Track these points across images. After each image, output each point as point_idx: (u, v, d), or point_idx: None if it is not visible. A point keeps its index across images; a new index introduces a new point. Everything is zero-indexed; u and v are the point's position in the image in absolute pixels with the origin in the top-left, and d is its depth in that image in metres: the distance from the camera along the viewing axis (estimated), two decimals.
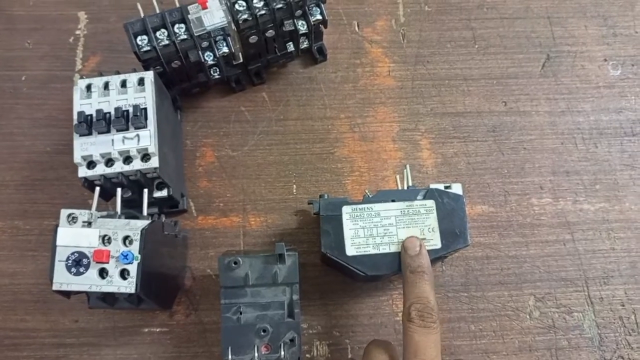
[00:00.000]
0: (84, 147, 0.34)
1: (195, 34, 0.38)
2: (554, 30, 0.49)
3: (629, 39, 0.48)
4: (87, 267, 0.30)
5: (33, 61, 0.47)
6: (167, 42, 0.37)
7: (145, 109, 0.35)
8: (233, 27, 0.39)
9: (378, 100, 0.46)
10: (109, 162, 0.34)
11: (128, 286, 0.30)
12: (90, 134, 0.34)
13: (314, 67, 0.47)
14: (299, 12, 0.40)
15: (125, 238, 0.30)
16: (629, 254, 0.42)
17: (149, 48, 0.37)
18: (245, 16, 0.38)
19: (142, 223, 0.31)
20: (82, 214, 0.30)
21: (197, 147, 0.44)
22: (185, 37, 0.38)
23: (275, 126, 0.45)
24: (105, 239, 0.30)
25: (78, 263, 0.30)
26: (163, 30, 0.38)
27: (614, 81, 0.47)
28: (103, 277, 0.30)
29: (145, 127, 0.35)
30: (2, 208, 0.42)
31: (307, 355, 0.39)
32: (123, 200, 0.35)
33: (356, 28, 0.48)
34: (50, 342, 0.39)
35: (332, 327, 0.40)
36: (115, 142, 0.34)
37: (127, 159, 0.35)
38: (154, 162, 0.35)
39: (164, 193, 0.37)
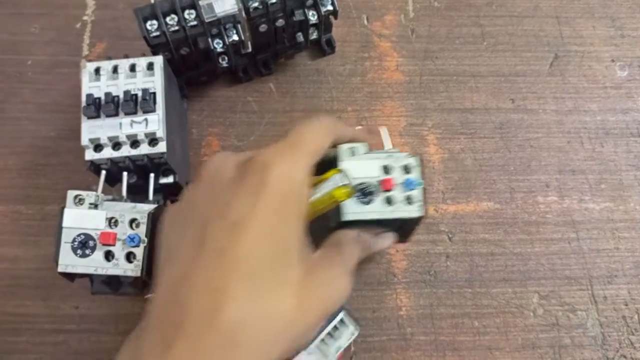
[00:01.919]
0: (91, 130, 0.34)
1: (206, 21, 0.37)
2: (562, 30, 0.49)
3: (636, 41, 0.48)
4: (93, 249, 0.29)
5: (39, 46, 0.46)
6: (176, 27, 0.37)
7: (154, 93, 0.34)
8: (243, 15, 0.39)
9: (385, 94, 0.46)
10: (117, 145, 0.34)
11: (134, 269, 0.29)
12: (98, 116, 0.34)
13: (322, 59, 0.47)
14: (309, 2, 0.40)
15: (132, 221, 0.30)
16: (633, 254, 0.42)
17: (158, 33, 0.37)
18: (255, 4, 0.38)
19: (149, 207, 0.31)
20: (89, 196, 0.30)
21: (203, 136, 0.44)
22: (195, 23, 0.37)
23: (282, 117, 0.45)
24: (112, 222, 0.30)
25: (84, 245, 0.29)
26: (173, 15, 0.37)
27: (621, 82, 0.47)
28: (109, 260, 0.29)
29: (153, 111, 0.34)
30: (4, 192, 0.42)
31: None
32: (129, 185, 0.35)
33: (365, 21, 0.48)
34: (50, 328, 0.39)
35: None
36: (123, 126, 0.34)
37: (135, 143, 0.34)
38: (162, 147, 0.34)
39: (170, 179, 0.37)
